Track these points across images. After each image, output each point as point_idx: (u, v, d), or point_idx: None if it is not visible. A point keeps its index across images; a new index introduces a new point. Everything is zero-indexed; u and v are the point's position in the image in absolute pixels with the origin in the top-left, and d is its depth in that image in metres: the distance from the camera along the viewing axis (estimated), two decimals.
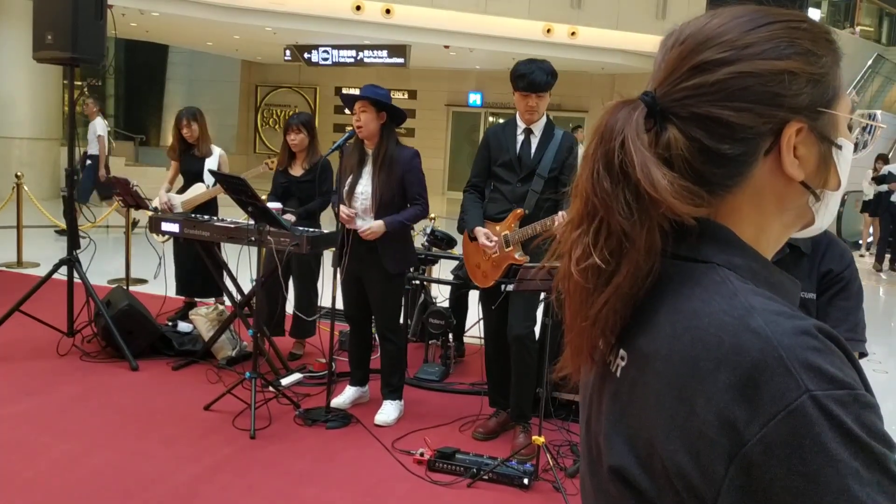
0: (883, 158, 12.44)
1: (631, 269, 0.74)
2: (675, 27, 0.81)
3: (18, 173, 8.09)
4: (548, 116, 3.93)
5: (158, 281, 5.69)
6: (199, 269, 5.34)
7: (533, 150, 3.84)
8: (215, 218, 5.02)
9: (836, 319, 1.89)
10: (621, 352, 0.78)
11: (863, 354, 1.91)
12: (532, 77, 3.69)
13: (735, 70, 0.75)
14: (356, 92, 4.05)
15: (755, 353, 0.65)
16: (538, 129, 3.87)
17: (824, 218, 0.82)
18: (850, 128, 0.82)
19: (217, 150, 5.56)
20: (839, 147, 0.79)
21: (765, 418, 0.62)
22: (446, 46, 14.56)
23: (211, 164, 5.45)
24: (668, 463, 0.68)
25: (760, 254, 0.78)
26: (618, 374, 0.78)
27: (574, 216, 0.78)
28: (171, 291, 5.66)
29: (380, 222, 3.94)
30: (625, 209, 0.73)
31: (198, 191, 5.45)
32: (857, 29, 19.98)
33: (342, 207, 4.01)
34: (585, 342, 0.79)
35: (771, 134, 0.75)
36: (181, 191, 5.56)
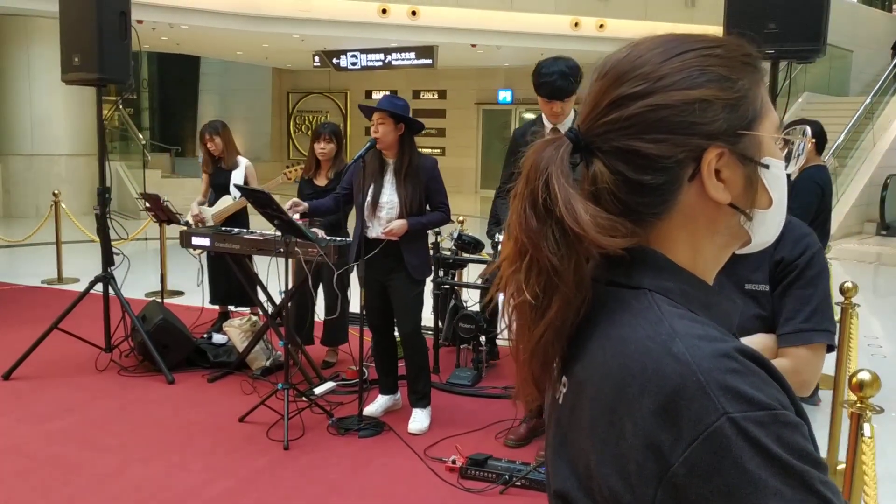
0: None
1: (562, 305, 0.76)
2: (601, 59, 0.83)
3: (56, 191, 8.27)
4: (575, 112, 3.83)
5: (193, 293, 5.75)
6: (234, 278, 5.40)
7: None
8: (244, 230, 5.06)
9: (790, 310, 1.75)
10: (563, 378, 0.81)
11: (831, 347, 1.76)
12: (554, 85, 3.59)
13: (649, 103, 0.76)
14: (380, 99, 4.09)
15: (676, 377, 0.66)
16: (565, 128, 3.77)
17: (765, 234, 0.82)
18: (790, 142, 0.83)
19: (243, 162, 5.58)
20: (766, 166, 0.79)
21: (686, 441, 0.64)
22: (474, 45, 14.54)
23: (237, 175, 5.47)
24: (603, 486, 0.70)
25: (695, 276, 0.80)
26: (560, 400, 0.81)
27: (508, 254, 0.79)
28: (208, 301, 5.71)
29: (402, 221, 3.95)
30: (553, 246, 0.75)
31: (225, 203, 5.49)
32: (895, 7, 19.48)
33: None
34: (528, 373, 0.81)
35: (691, 161, 0.76)
36: (212, 203, 5.61)
